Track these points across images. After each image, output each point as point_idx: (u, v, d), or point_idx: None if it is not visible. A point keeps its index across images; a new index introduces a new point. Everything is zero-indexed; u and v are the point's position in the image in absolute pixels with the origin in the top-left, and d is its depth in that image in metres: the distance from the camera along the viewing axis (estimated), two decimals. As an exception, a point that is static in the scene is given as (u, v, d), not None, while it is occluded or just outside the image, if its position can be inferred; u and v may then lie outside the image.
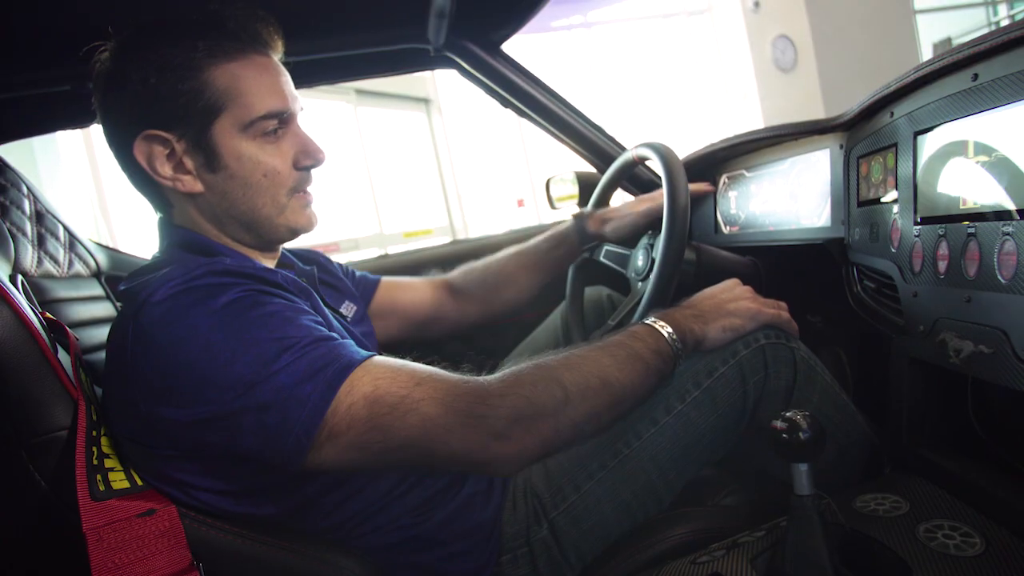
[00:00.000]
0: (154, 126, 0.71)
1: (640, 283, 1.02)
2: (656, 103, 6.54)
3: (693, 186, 1.17)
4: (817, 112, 5.76)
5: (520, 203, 5.98)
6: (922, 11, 6.84)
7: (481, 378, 0.65)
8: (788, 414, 0.62)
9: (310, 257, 1.01)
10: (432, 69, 1.40)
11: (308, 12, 1.12)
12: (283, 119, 0.75)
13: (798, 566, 0.62)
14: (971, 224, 0.74)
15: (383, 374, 0.61)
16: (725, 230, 1.36)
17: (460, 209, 5.95)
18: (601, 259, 1.16)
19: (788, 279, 1.17)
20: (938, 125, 0.80)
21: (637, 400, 0.74)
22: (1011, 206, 0.68)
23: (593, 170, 1.50)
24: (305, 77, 1.32)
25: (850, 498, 0.75)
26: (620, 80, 6.50)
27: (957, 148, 0.77)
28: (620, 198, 1.36)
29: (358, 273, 1.13)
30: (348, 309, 0.99)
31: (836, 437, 0.83)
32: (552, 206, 1.51)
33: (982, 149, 0.73)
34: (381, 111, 5.39)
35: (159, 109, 0.71)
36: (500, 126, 5.72)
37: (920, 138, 0.83)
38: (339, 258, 1.16)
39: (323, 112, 4.88)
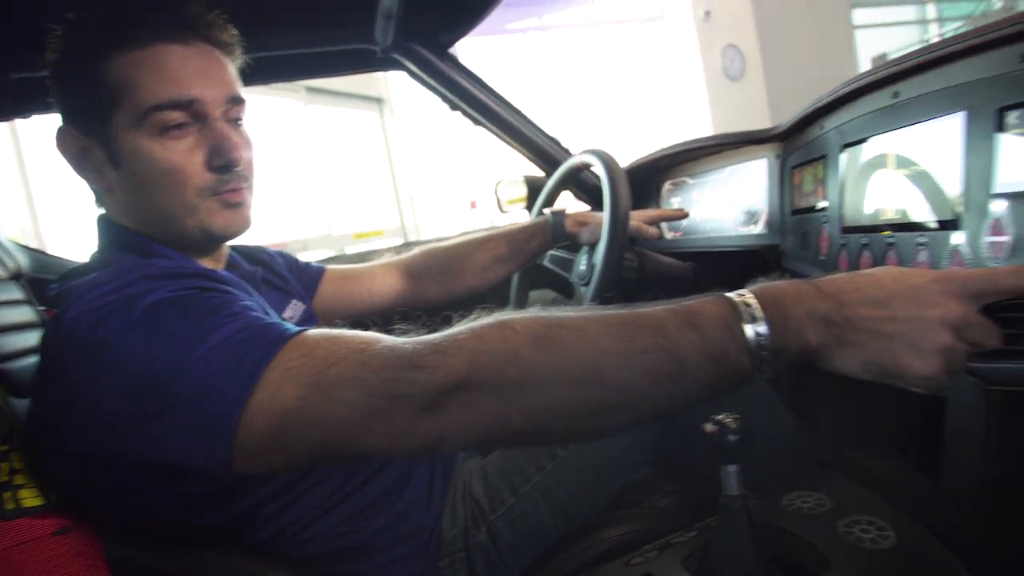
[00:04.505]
0: (66, 120, 0.71)
1: (583, 288, 1.04)
2: (610, 107, 6.64)
3: (635, 218, 1.18)
4: (763, 120, 5.94)
5: (473, 205, 5.97)
6: (860, 27, 7.19)
7: (417, 339, 0.54)
8: (719, 416, 0.63)
9: (256, 256, 0.98)
10: (379, 71, 1.39)
11: (251, 9, 1.09)
12: (192, 111, 0.69)
13: (726, 564, 0.64)
14: (891, 234, 0.78)
15: (296, 360, 0.54)
16: (669, 236, 1.39)
17: (412, 210, 5.91)
18: (545, 264, 1.17)
19: (727, 285, 1.20)
20: (863, 139, 0.84)
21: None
22: (926, 218, 0.72)
23: (543, 174, 1.51)
24: (248, 75, 1.29)
25: (778, 496, 0.78)
26: (575, 84, 6.57)
27: (880, 161, 0.81)
28: (570, 204, 1.37)
29: (301, 262, 1.09)
30: (294, 309, 0.96)
31: (766, 438, 0.85)
32: (501, 209, 1.52)
33: (902, 162, 0.77)
34: (332, 110, 5.30)
35: (68, 102, 0.70)
36: (454, 127, 5.70)
37: (847, 151, 0.87)
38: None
39: (271, 109, 4.76)
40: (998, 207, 0.61)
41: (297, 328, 0.58)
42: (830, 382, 0.88)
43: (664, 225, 1.38)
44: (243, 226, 0.76)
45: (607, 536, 0.77)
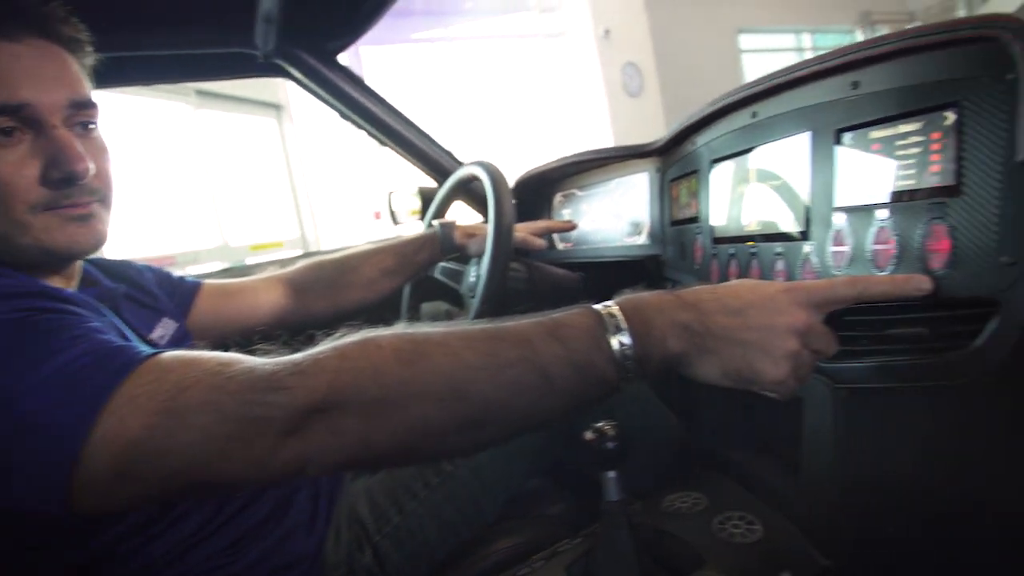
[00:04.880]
0: None
1: (472, 299, 1.04)
2: (517, 119, 6.74)
3: (523, 230, 1.20)
4: (661, 134, 6.23)
5: (377, 215, 5.86)
6: (747, 51, 7.81)
7: (278, 360, 0.51)
8: (598, 424, 0.65)
9: (119, 271, 0.90)
10: (261, 76, 1.33)
11: (122, 4, 1.02)
12: (23, 117, 0.63)
13: (607, 569, 0.66)
14: (754, 245, 0.83)
15: (145, 387, 0.50)
16: (560, 246, 1.42)
17: (313, 221, 5.71)
18: (436, 275, 1.16)
19: (615, 294, 1.24)
20: (729, 155, 0.89)
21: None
22: (783, 229, 0.77)
23: (436, 185, 1.50)
24: (120, 76, 1.20)
25: (659, 498, 0.81)
26: (482, 95, 6.62)
27: (744, 176, 0.86)
28: (465, 214, 1.37)
29: (175, 277, 1.01)
30: (165, 327, 0.89)
31: (648, 441, 0.88)
32: (394, 220, 1.49)
33: (763, 177, 0.82)
34: (227, 115, 5.04)
35: None
36: (356, 136, 5.57)
37: (715, 165, 0.92)
38: (177, 273, 1.04)
39: (157, 113, 4.45)
40: (839, 220, 0.67)
41: (149, 351, 0.53)
42: (706, 384, 0.93)
43: (556, 236, 1.41)
44: (92, 242, 0.68)
45: (495, 549, 0.77)
